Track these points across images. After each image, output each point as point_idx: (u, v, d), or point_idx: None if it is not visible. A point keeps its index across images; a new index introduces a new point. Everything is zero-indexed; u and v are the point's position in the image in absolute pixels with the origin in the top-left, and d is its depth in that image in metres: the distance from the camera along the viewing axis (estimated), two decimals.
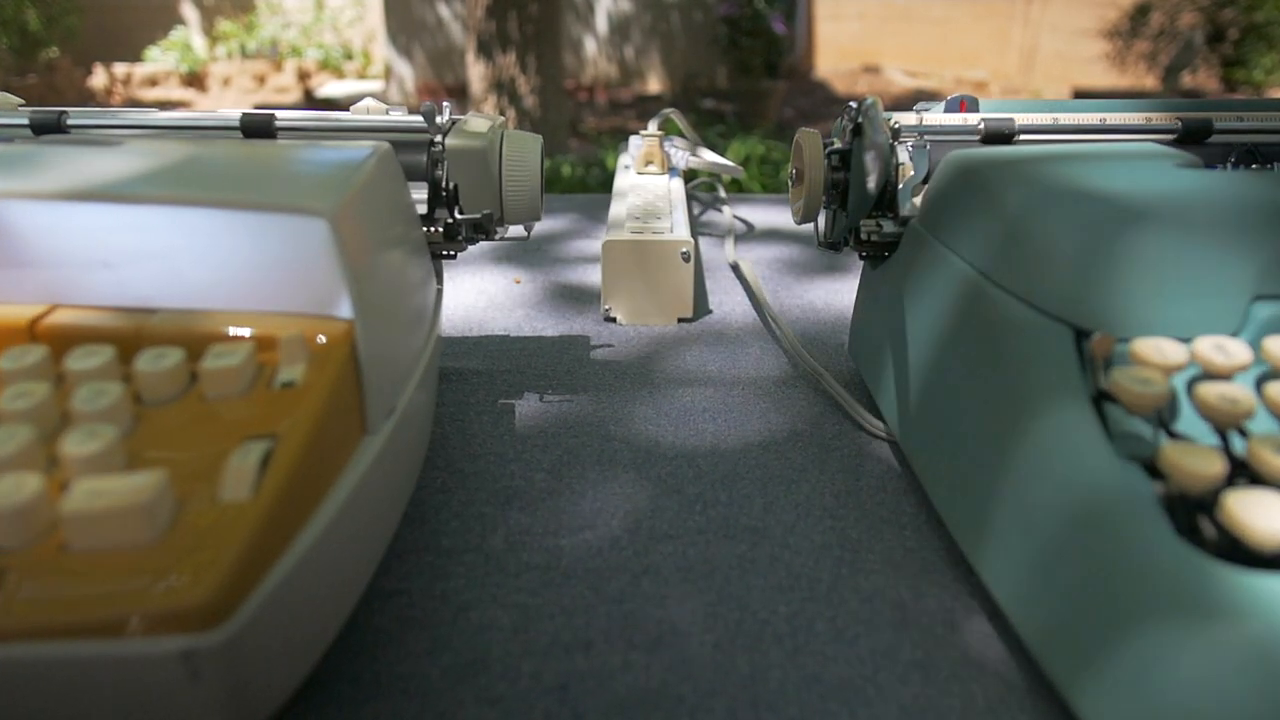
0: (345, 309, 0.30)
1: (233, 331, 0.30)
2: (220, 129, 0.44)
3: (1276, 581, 0.23)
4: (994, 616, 0.33)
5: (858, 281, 0.51)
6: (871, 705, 0.29)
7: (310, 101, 5.24)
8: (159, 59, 5.43)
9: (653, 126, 0.80)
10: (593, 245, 0.77)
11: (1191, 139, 0.44)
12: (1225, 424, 0.27)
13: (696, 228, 0.83)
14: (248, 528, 0.23)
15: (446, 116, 0.46)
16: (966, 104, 0.46)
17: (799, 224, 0.49)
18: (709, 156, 0.82)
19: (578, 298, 0.65)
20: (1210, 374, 0.29)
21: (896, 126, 0.45)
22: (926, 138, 0.44)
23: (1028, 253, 0.33)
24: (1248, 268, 0.30)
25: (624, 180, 0.75)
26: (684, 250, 0.58)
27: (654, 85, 5.35)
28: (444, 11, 4.96)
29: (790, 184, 0.49)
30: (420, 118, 0.45)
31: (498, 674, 0.30)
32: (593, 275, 0.69)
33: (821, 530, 0.38)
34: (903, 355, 0.41)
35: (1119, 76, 5.25)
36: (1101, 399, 0.29)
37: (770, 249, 0.77)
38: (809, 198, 0.46)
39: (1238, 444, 0.28)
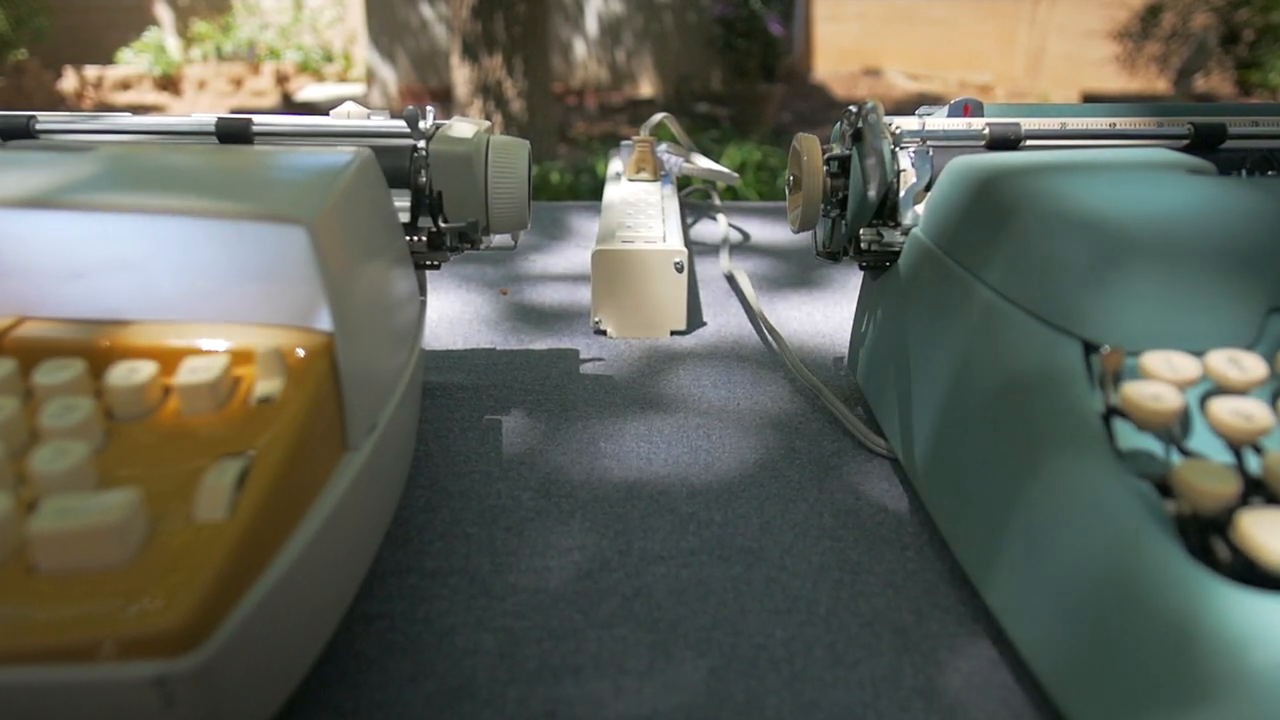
0: (325, 321, 0.30)
1: (208, 345, 0.30)
2: (195, 134, 0.44)
3: None
4: (999, 641, 0.33)
5: (857, 293, 0.51)
6: None
7: (289, 105, 5.24)
8: (131, 61, 5.43)
9: (645, 132, 0.81)
10: (582, 255, 0.78)
11: (1204, 145, 0.44)
12: (1240, 441, 0.28)
13: (690, 237, 0.83)
14: (223, 549, 0.23)
15: (430, 121, 0.46)
16: (971, 108, 0.47)
17: (797, 233, 0.49)
18: (703, 163, 0.83)
19: (566, 310, 0.65)
20: (1224, 389, 0.29)
21: (898, 131, 0.45)
22: (929, 143, 0.44)
23: (1034, 263, 0.33)
24: (1263, 278, 0.31)
25: (614, 188, 0.75)
26: (677, 260, 0.58)
27: (646, 89, 5.36)
28: (428, 12, 4.97)
29: (787, 191, 0.50)
30: (403, 122, 0.45)
31: (483, 701, 0.30)
32: (582, 286, 0.70)
33: (820, 551, 0.38)
34: (904, 369, 0.41)
35: (1129, 80, 5.27)
36: (1111, 415, 0.30)
37: (767, 259, 0.77)
38: (807, 205, 0.47)
39: (1253, 462, 0.28)
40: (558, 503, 0.41)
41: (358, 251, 0.34)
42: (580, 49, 5.30)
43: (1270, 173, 0.44)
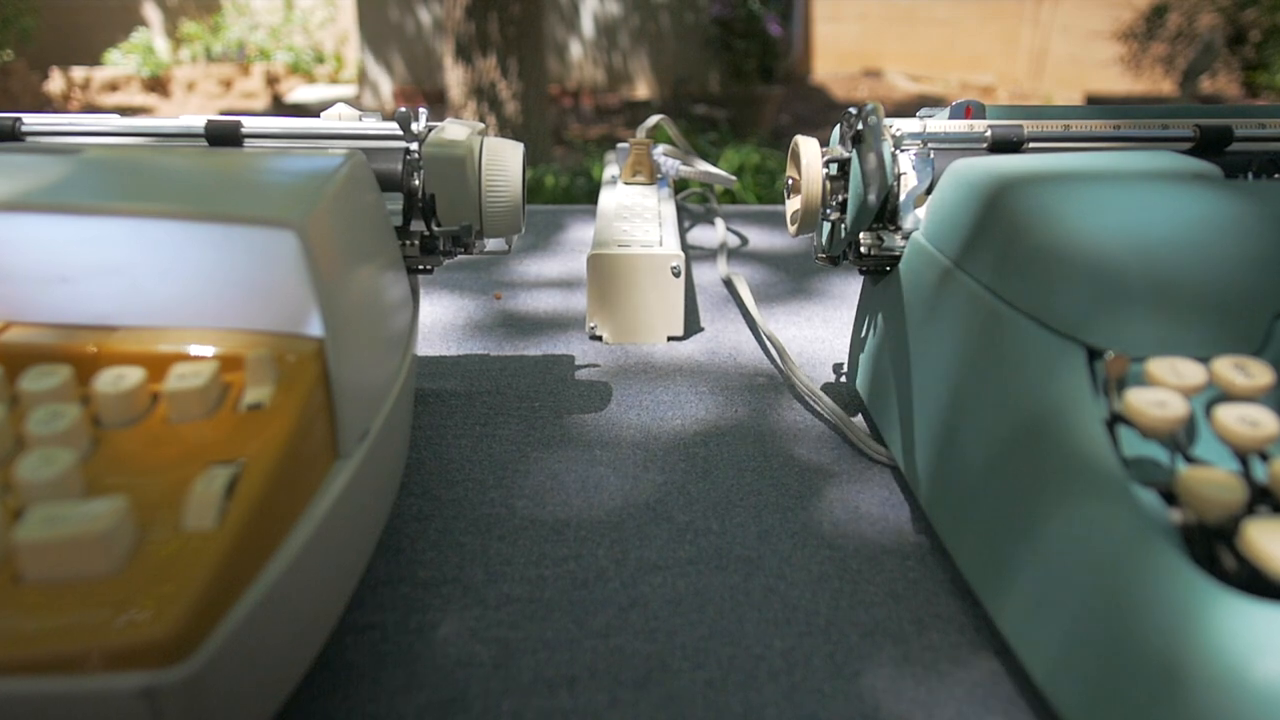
0: (316, 326, 0.30)
1: (197, 350, 0.30)
2: (184, 136, 0.44)
3: None
4: (1002, 652, 0.33)
5: (857, 297, 0.51)
6: None
7: (279, 107, 5.25)
8: (119, 62, 5.43)
9: (641, 134, 0.81)
10: (577, 260, 0.78)
11: (1210, 147, 0.44)
12: (1246, 449, 0.28)
13: (687, 241, 0.83)
14: (212, 558, 0.23)
15: (423, 123, 0.46)
16: (973, 110, 0.47)
17: (795, 236, 0.49)
18: (700, 165, 0.83)
19: (561, 315, 0.65)
20: (1230, 395, 0.29)
21: (899, 134, 0.45)
22: (930, 146, 0.44)
23: (1037, 267, 0.33)
24: (1269, 283, 0.31)
25: (610, 191, 0.75)
26: (674, 265, 0.58)
27: (642, 90, 5.37)
28: (421, 13, 4.98)
29: (786, 194, 0.50)
30: (395, 125, 0.45)
31: (477, 712, 0.30)
32: (577, 292, 0.70)
33: (819, 560, 0.38)
34: (905, 376, 0.41)
35: (1134, 81, 5.29)
36: (1115, 422, 0.30)
37: (765, 263, 0.77)
38: (806, 209, 0.47)
39: (1259, 470, 0.28)
40: (552, 511, 0.41)
41: (349, 256, 0.34)
42: (576, 50, 5.30)
43: (1277, 175, 0.44)
